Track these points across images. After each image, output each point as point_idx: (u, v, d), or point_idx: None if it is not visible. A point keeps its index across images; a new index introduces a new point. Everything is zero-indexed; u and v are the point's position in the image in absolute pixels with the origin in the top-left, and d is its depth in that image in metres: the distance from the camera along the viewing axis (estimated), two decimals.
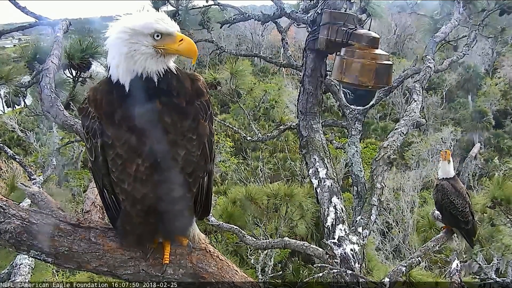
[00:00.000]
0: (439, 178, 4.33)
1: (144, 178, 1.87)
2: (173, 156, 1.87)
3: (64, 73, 5.00)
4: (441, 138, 21.88)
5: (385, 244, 15.29)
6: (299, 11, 5.09)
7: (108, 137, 1.84)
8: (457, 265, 4.34)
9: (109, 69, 1.83)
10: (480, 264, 5.49)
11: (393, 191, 16.89)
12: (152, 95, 1.78)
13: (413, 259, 4.08)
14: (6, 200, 2.06)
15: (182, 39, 1.78)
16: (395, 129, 4.52)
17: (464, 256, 5.22)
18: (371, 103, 4.97)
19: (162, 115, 1.80)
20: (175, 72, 1.86)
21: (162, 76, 1.80)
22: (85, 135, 1.93)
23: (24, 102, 5.61)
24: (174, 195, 1.95)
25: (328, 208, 3.65)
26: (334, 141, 7.79)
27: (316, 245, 3.80)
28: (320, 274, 3.26)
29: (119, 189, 1.97)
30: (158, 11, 6.56)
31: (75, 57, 4.87)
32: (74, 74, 5.07)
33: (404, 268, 3.90)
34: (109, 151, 1.87)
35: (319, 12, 3.72)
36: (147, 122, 1.77)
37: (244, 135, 7.45)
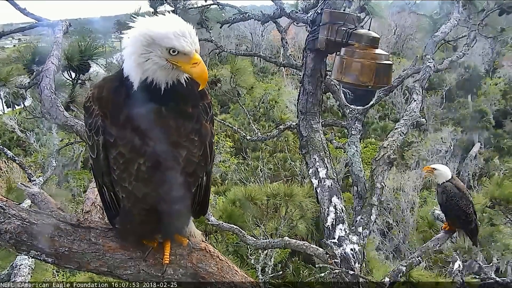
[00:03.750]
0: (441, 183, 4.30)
1: (145, 178, 1.88)
2: (175, 157, 1.88)
3: (63, 75, 5.00)
4: (441, 138, 21.85)
5: (385, 244, 15.30)
6: (299, 11, 5.09)
7: (110, 135, 1.85)
8: (459, 265, 4.34)
9: (122, 65, 1.83)
10: (480, 264, 5.48)
11: (393, 191, 16.88)
12: (158, 100, 1.79)
13: (413, 259, 4.08)
14: (6, 200, 2.06)
15: (196, 63, 1.74)
16: (395, 128, 4.52)
17: (464, 255, 5.22)
18: (371, 102, 4.98)
19: (167, 119, 1.81)
20: (185, 82, 1.85)
21: (170, 85, 1.80)
22: (88, 132, 1.93)
23: (23, 104, 5.61)
24: (175, 195, 1.96)
25: (328, 208, 3.65)
26: (334, 141, 7.76)
27: (316, 245, 3.80)
28: (322, 275, 3.26)
29: (119, 187, 1.98)
30: (156, 11, 6.60)
31: (74, 59, 4.87)
32: (73, 76, 5.07)
33: (404, 268, 3.91)
34: (111, 149, 1.87)
35: (319, 12, 3.72)
36: (152, 124, 1.78)
37: (244, 134, 7.43)
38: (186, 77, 1.85)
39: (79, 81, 5.14)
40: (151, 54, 1.74)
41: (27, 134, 21.34)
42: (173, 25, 1.73)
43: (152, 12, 6.63)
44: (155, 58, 1.74)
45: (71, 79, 5.07)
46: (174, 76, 1.80)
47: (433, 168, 4.30)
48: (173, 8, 6.52)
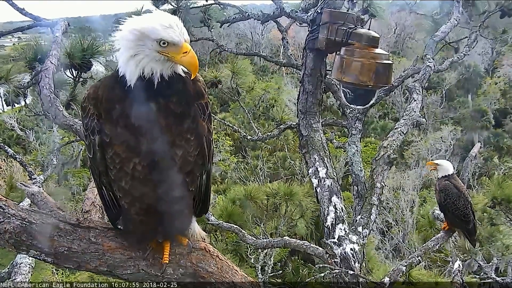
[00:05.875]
0: (439, 177, 4.31)
1: (142, 177, 1.89)
2: (171, 156, 1.89)
3: (65, 73, 5.00)
4: (441, 137, 21.85)
5: (385, 244, 15.29)
6: (299, 10, 5.07)
7: (106, 135, 1.86)
8: (459, 265, 4.33)
9: (118, 65, 1.85)
10: (479, 264, 5.48)
11: (393, 190, 16.88)
12: (152, 96, 1.79)
13: (413, 258, 4.08)
14: (6, 200, 2.05)
15: (186, 52, 1.77)
16: (395, 128, 4.52)
17: (464, 255, 5.22)
18: (371, 102, 4.96)
19: (162, 118, 1.81)
20: (183, 75, 1.87)
21: (167, 78, 1.81)
22: (84, 132, 1.95)
23: (25, 102, 5.60)
24: (172, 194, 1.97)
25: (328, 208, 3.64)
26: (334, 140, 7.77)
27: (316, 245, 3.80)
28: (322, 274, 3.26)
29: (117, 187, 1.99)
30: (158, 9, 6.58)
31: (75, 57, 4.86)
32: (75, 74, 5.06)
33: (404, 267, 3.90)
34: (107, 149, 1.89)
35: (319, 11, 3.71)
36: (146, 122, 1.79)
37: (244, 134, 7.42)
38: (181, 75, 1.86)
39: (81, 79, 5.13)
40: (142, 48, 1.77)
41: (27, 132, 21.34)
42: (160, 18, 1.77)
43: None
44: (146, 50, 1.77)
45: (72, 77, 5.06)
46: (167, 69, 1.81)
47: (437, 164, 4.32)
48: (175, 7, 6.51)
